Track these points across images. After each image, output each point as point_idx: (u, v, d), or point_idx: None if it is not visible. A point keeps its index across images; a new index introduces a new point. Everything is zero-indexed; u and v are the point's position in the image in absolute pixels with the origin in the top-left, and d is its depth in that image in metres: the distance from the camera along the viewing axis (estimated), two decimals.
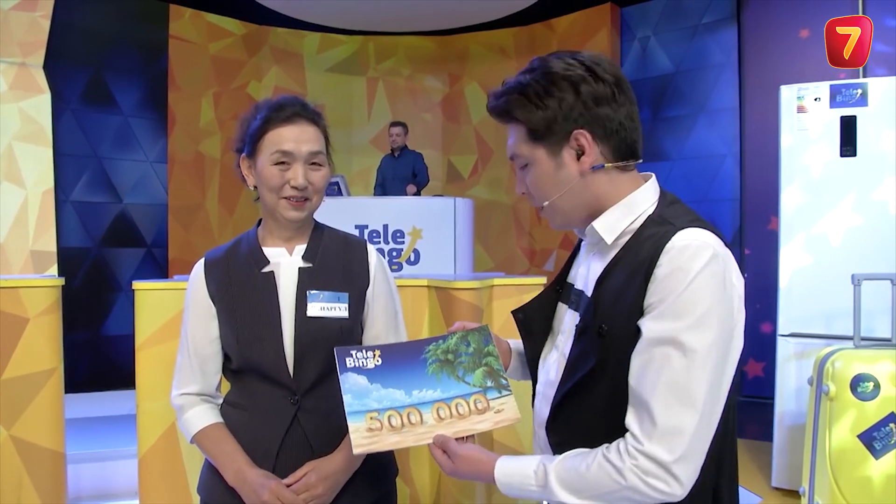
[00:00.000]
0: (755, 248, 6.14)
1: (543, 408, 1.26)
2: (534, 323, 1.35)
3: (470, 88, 8.30)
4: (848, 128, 3.18)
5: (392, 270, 5.50)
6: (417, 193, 6.48)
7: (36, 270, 5.70)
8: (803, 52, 5.62)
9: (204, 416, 1.57)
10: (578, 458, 1.12)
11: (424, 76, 8.45)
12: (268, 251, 1.58)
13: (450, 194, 7.20)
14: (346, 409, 1.28)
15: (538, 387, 1.32)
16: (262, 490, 1.43)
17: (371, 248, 1.68)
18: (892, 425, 2.58)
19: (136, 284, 2.39)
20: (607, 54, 7.15)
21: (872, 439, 2.59)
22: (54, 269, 5.85)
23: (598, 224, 1.22)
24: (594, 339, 1.15)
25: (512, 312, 1.40)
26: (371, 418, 1.27)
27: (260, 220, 1.64)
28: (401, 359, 1.34)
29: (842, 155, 3.19)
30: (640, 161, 1.26)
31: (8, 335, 2.35)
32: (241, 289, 1.55)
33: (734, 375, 1.13)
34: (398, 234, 5.59)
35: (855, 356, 2.67)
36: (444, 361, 1.33)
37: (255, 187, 1.58)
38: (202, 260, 1.63)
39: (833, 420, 2.64)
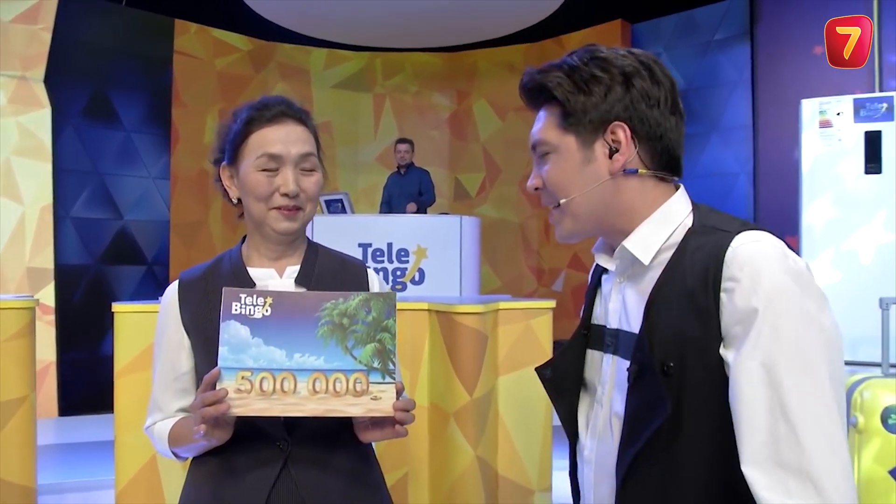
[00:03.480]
0: None
1: (602, 478, 1.08)
2: (564, 379, 1.16)
3: (478, 105, 8.19)
4: (872, 143, 3.02)
5: (396, 290, 5.29)
6: (418, 211, 6.33)
7: (32, 288, 5.59)
8: (818, 69, 5.46)
9: (170, 421, 1.41)
10: None
11: (432, 93, 8.35)
12: (254, 272, 1.39)
13: (457, 212, 7.07)
14: (220, 362, 1.18)
15: (586, 454, 1.13)
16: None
17: (371, 273, 1.49)
18: None
19: (117, 307, 2.25)
20: None
21: None
22: (51, 287, 5.74)
23: (630, 243, 1.05)
24: (658, 382, 0.96)
25: (537, 370, 1.20)
26: (242, 377, 1.18)
27: (244, 238, 1.45)
28: (293, 312, 1.21)
29: (866, 172, 3.03)
30: (680, 179, 1.09)
31: None
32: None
33: None
34: (402, 253, 5.45)
35: (885, 385, 2.50)
36: (338, 325, 1.21)
37: (239, 200, 1.40)
38: (176, 282, 1.44)
39: (862, 455, 2.46)
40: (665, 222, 1.05)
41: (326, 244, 1.52)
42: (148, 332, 2.21)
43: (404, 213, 6.25)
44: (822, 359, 0.90)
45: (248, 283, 1.37)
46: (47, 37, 5.73)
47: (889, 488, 2.43)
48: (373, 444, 1.45)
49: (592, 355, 1.15)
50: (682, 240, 1.02)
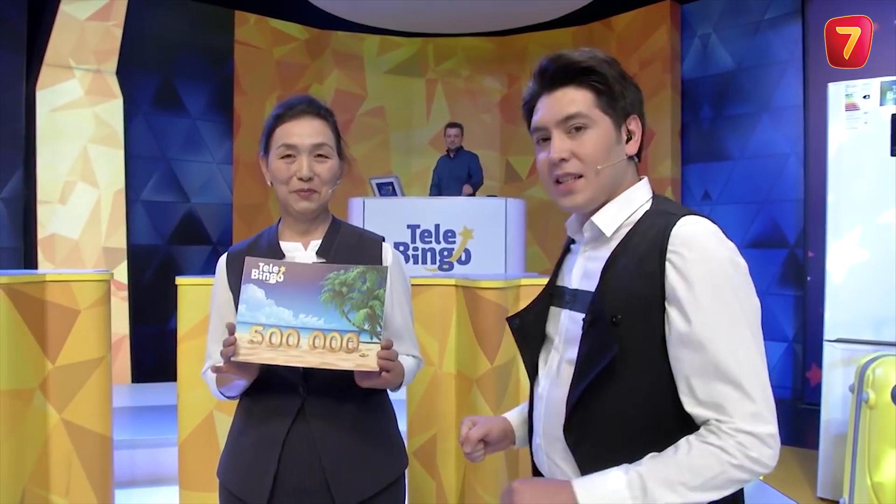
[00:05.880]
0: (819, 250, 5.92)
1: (551, 413, 1.27)
2: (530, 329, 1.37)
3: None
4: None
5: (443, 269, 5.52)
6: (473, 194, 6.53)
7: (108, 266, 6.02)
8: (871, 47, 5.40)
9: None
10: (667, 455, 1.10)
11: (483, 77, 8.48)
12: (284, 245, 1.65)
13: (508, 195, 7.21)
14: (238, 317, 1.42)
15: (539, 391, 1.33)
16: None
17: (386, 247, 1.70)
18: None
19: (180, 280, 2.53)
20: (667, 52, 7.05)
21: None
22: (124, 266, 6.17)
23: (598, 217, 1.26)
24: (607, 330, 1.16)
25: (507, 319, 1.42)
26: (255, 331, 1.41)
27: (280, 218, 1.72)
28: (301, 280, 1.44)
29: (892, 154, 3.07)
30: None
31: (60, 325, 2.53)
32: None
33: None
34: (449, 234, 5.66)
35: None
36: (337, 293, 1.43)
37: (272, 184, 1.66)
38: (226, 254, 1.72)
39: (873, 429, 2.56)
40: (628, 204, 1.27)
41: (376, 226, 1.76)
42: (206, 302, 2.49)
43: (456, 195, 6.45)
44: (748, 320, 1.12)
45: (279, 255, 1.63)
46: (119, 32, 6.12)
47: None
48: (388, 394, 1.70)
49: (554, 311, 1.35)
50: (639, 220, 1.24)
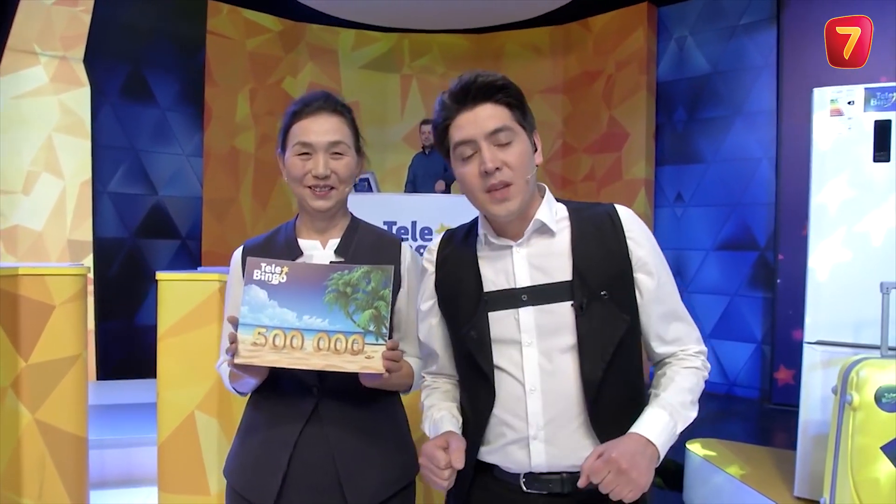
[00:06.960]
0: (789, 253, 6.03)
1: (559, 400, 1.36)
2: (483, 337, 1.41)
3: None
4: (882, 132, 3.09)
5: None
6: (447, 190, 6.47)
7: (72, 259, 5.85)
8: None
9: None
10: (673, 384, 1.39)
11: (459, 74, 8.42)
12: (302, 243, 1.61)
13: None
14: (240, 319, 1.38)
15: (528, 387, 1.36)
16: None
17: (405, 248, 1.66)
18: None
19: (160, 275, 2.44)
20: (643, 54, 7.08)
21: None
22: (90, 259, 6.00)
23: (541, 216, 1.40)
24: (608, 305, 1.35)
25: (461, 335, 1.44)
26: (258, 333, 1.37)
27: (298, 214, 1.67)
28: (305, 280, 1.40)
29: (875, 160, 3.11)
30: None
31: (34, 321, 2.42)
32: None
33: None
34: (426, 231, 5.61)
35: (881, 366, 2.61)
36: (342, 293, 1.40)
37: (288, 181, 1.61)
38: (241, 247, 1.67)
39: (856, 431, 2.58)
40: (551, 205, 1.44)
41: None
42: (188, 299, 2.41)
43: (431, 192, 6.38)
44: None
45: (297, 252, 1.59)
46: (87, 18, 5.94)
47: (882, 464, 2.56)
48: (400, 397, 1.68)
49: (497, 315, 1.39)
50: (570, 214, 1.43)
